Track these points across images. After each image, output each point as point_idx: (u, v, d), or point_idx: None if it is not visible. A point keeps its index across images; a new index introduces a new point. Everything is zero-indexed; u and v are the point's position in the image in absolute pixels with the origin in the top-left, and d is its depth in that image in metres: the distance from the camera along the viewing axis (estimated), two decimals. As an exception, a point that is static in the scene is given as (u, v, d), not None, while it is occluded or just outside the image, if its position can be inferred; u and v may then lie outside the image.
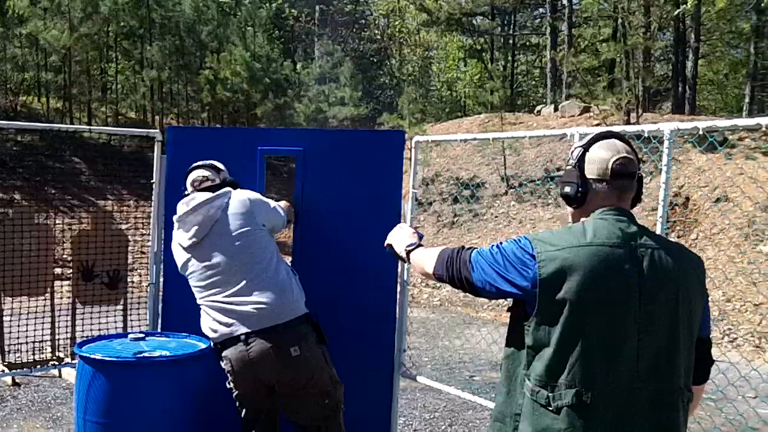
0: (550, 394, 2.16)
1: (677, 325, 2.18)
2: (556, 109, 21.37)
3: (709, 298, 2.37)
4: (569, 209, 2.42)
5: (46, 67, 22.47)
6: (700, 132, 3.07)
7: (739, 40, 25.02)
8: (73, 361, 6.44)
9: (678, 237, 11.94)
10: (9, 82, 22.99)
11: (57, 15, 20.95)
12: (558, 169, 16.13)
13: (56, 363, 6.93)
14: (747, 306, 9.84)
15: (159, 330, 4.63)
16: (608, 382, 2.12)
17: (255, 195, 3.97)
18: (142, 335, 4.12)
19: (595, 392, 2.12)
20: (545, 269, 2.15)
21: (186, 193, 3.99)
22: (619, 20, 20.50)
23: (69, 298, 6.86)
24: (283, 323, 3.67)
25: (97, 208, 16.07)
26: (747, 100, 21.45)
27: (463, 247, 2.43)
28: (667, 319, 2.17)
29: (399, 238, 2.78)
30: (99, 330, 6.47)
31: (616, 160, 2.27)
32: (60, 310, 7.09)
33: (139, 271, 12.20)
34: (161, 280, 4.73)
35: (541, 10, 31.94)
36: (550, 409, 2.16)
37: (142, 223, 15.63)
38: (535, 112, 22.83)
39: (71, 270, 6.79)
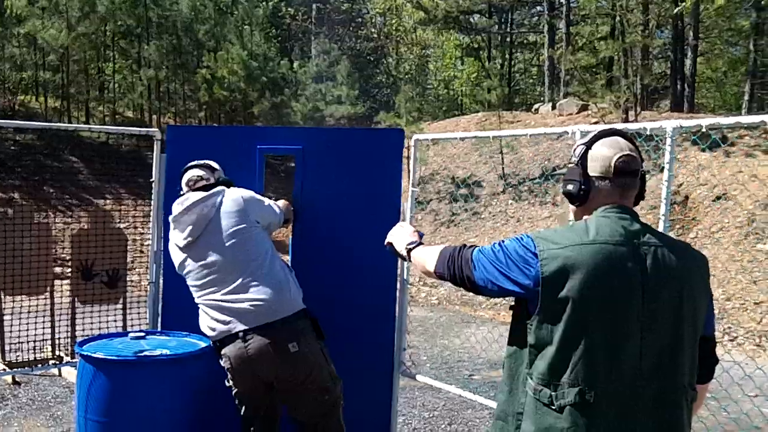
0: (552, 393, 2.16)
1: (681, 323, 2.17)
2: (554, 108, 21.38)
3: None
4: (572, 207, 2.41)
5: (44, 66, 22.44)
6: (703, 129, 3.07)
7: (738, 37, 25.01)
8: (73, 360, 6.45)
9: (677, 236, 11.94)
10: (7, 82, 22.94)
11: (55, 14, 20.92)
12: (555, 168, 16.14)
13: (56, 362, 6.92)
14: (747, 304, 9.85)
15: (159, 329, 4.62)
16: (611, 381, 2.11)
17: (248, 193, 3.97)
18: (143, 334, 4.12)
19: (598, 391, 2.11)
20: (548, 267, 2.14)
21: (181, 193, 4.00)
22: (617, 18, 20.49)
23: (69, 297, 6.86)
24: (281, 319, 3.67)
25: (95, 208, 16.04)
26: (746, 97, 21.45)
27: (464, 245, 2.42)
28: (670, 317, 2.16)
29: (399, 236, 2.77)
30: (99, 329, 6.47)
31: (619, 157, 2.26)
32: (61, 309, 7.08)
33: (137, 270, 12.19)
34: (161, 278, 4.72)
35: (538, 8, 31.94)
36: (553, 408, 2.16)
37: (141, 222, 15.62)
38: (533, 110, 22.84)
39: (71, 269, 6.78)
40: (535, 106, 23.39)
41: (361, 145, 4.61)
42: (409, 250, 2.66)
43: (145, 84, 23.92)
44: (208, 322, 3.79)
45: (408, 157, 5.13)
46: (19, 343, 6.84)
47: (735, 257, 10.90)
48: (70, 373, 6.76)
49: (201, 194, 3.87)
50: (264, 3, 27.54)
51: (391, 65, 39.41)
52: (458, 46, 36.85)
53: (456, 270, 2.36)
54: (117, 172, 18.38)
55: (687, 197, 13.32)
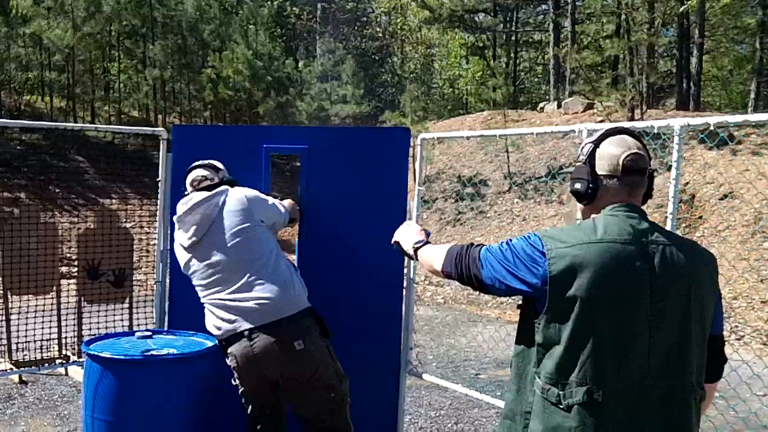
0: (560, 392, 2.15)
1: (689, 322, 2.16)
2: (559, 106, 21.35)
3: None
4: (579, 206, 2.40)
5: (49, 66, 22.49)
6: (711, 128, 3.06)
7: (744, 35, 24.93)
8: (80, 359, 6.46)
9: (684, 234, 11.91)
10: (13, 82, 23.00)
11: (60, 14, 20.96)
12: (562, 167, 16.09)
13: (63, 361, 6.93)
14: (754, 303, 9.82)
15: (166, 328, 4.63)
16: (619, 380, 2.11)
17: (252, 192, 3.98)
18: (150, 333, 4.13)
19: (606, 390, 2.10)
20: (555, 266, 2.14)
21: (186, 193, 4.01)
22: (623, 16, 20.45)
23: (75, 296, 6.87)
24: (286, 317, 3.68)
25: (101, 207, 16.07)
26: (752, 96, 21.36)
27: (472, 244, 2.42)
28: (678, 315, 2.15)
29: (406, 235, 2.76)
30: (106, 328, 6.49)
31: (627, 156, 2.25)
32: (68, 308, 7.10)
33: (144, 269, 12.22)
34: (168, 278, 4.73)
35: (543, 6, 31.88)
36: (561, 407, 2.15)
37: (146, 221, 15.66)
38: (538, 109, 22.81)
39: (77, 268, 6.80)
40: (541, 104, 23.36)
41: (368, 144, 4.60)
42: (416, 249, 2.66)
43: (150, 84, 23.97)
44: (214, 321, 3.80)
45: (414, 156, 5.11)
46: (26, 342, 6.86)
47: (742, 256, 10.87)
48: (76, 373, 6.77)
49: (204, 194, 3.88)
50: (269, 2, 27.56)
51: (396, 64, 39.36)
52: (463, 44, 36.83)
53: (463, 269, 2.36)
54: (123, 172, 18.42)
55: (693, 196, 13.30)
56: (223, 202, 3.85)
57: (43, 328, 6.84)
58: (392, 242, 2.83)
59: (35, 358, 6.93)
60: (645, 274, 2.13)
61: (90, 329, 6.68)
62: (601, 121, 16.94)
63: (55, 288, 6.92)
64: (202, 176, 4.01)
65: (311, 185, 4.50)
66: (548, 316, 2.17)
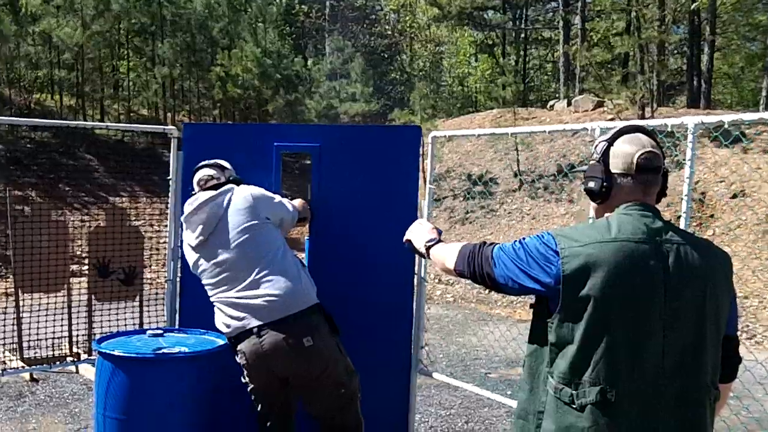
0: (573, 392, 2.14)
1: (704, 322, 2.15)
2: (569, 104, 21.30)
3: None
4: (593, 204, 2.39)
5: (59, 64, 22.57)
6: (726, 126, 3.04)
7: (755, 32, 24.81)
8: (91, 357, 6.48)
9: (695, 233, 11.86)
10: (23, 80, 23.09)
11: (70, 13, 21.03)
12: (573, 165, 16.05)
13: (74, 359, 6.95)
14: (766, 302, 9.78)
15: (177, 326, 4.63)
16: (633, 379, 2.09)
17: (258, 190, 3.98)
18: (161, 331, 4.13)
19: (620, 389, 2.09)
20: (569, 265, 2.12)
21: (193, 193, 4.01)
22: (633, 13, 20.38)
23: (85, 294, 6.89)
24: (294, 314, 3.68)
25: (111, 205, 16.12)
26: (764, 93, 21.26)
27: (484, 242, 2.41)
28: (693, 315, 2.14)
29: (418, 233, 2.75)
30: (117, 326, 6.50)
31: (642, 154, 2.24)
32: (79, 307, 7.12)
33: (154, 267, 12.24)
34: (178, 276, 4.73)
35: (553, 3, 31.84)
36: (574, 407, 2.14)
37: (156, 219, 15.69)
38: (548, 106, 22.77)
39: (87, 266, 6.81)
40: (550, 102, 23.32)
41: (378, 143, 4.60)
42: (428, 248, 2.65)
43: (159, 82, 24.03)
44: (223, 318, 3.81)
45: (424, 155, 5.11)
46: (38, 340, 6.87)
47: (753, 254, 10.82)
48: (87, 371, 6.79)
49: (210, 193, 3.90)
50: (278, 0, 27.57)
51: (405, 62, 39.35)
52: (472, 42, 36.81)
53: (476, 267, 2.35)
54: (132, 170, 18.47)
55: (704, 194, 13.24)
56: (229, 201, 3.86)
57: (54, 326, 6.85)
58: (404, 240, 2.82)
59: (46, 356, 6.95)
60: (659, 274, 2.12)
61: (101, 327, 6.69)
62: (612, 119, 16.89)
63: (65, 286, 6.94)
64: (209, 176, 4.03)
65: (322, 183, 4.50)
66: (561, 315, 2.16)
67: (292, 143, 4.66)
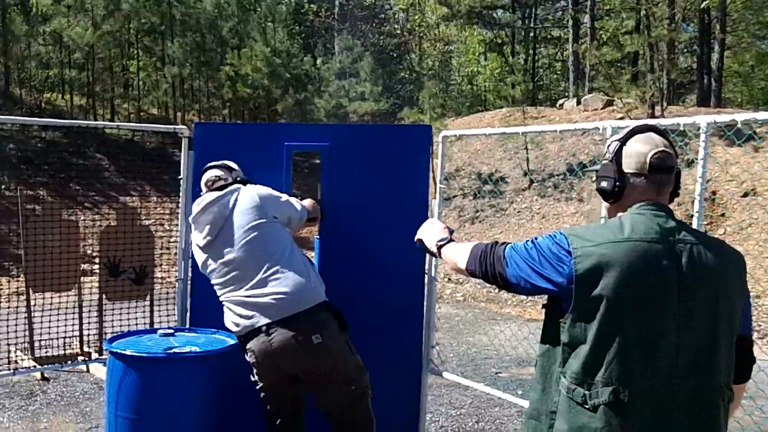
0: (586, 392, 2.13)
1: (717, 322, 2.14)
2: (578, 103, 21.24)
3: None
4: (605, 204, 2.38)
5: (69, 64, 22.66)
6: (738, 125, 3.02)
7: (766, 30, 24.70)
8: (102, 357, 6.50)
9: (706, 232, 11.83)
10: (33, 80, 23.20)
11: (80, 12, 21.11)
12: (584, 164, 16.01)
13: (85, 358, 6.97)
14: (776, 302, 9.74)
15: (188, 325, 4.64)
16: (646, 378, 2.09)
17: (265, 189, 3.99)
18: (171, 331, 4.13)
19: (633, 390, 2.08)
20: (581, 265, 2.11)
21: (201, 194, 4.03)
22: (643, 12, 20.32)
23: (96, 293, 6.91)
24: (303, 311, 3.69)
25: (122, 205, 16.17)
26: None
27: (496, 242, 2.40)
28: (707, 315, 2.13)
29: (430, 233, 2.75)
30: (128, 326, 6.51)
31: (654, 153, 2.23)
32: (90, 306, 7.14)
33: (165, 267, 12.27)
34: (189, 275, 4.74)
35: (562, 2, 31.76)
36: (587, 407, 2.13)
37: (166, 219, 15.73)
38: (558, 105, 22.71)
39: (98, 266, 6.83)
40: (560, 101, 23.26)
41: (389, 142, 4.59)
42: (439, 247, 2.64)
43: (169, 81, 24.10)
44: (232, 317, 3.82)
45: (434, 154, 5.09)
46: (49, 339, 6.90)
47: (766, 253, 10.78)
48: (98, 370, 6.81)
49: (217, 194, 3.91)
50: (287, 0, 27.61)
51: (414, 61, 39.34)
52: (481, 41, 36.76)
53: (488, 267, 2.34)
54: (142, 170, 18.52)
55: (715, 193, 13.19)
56: (236, 200, 3.88)
57: (66, 325, 6.88)
58: (415, 240, 2.82)
59: (57, 355, 6.98)
60: (672, 273, 2.11)
61: (112, 327, 6.71)
62: (621, 118, 16.83)
63: (76, 285, 6.96)
64: (216, 176, 4.06)
65: (332, 183, 4.50)
66: (574, 315, 2.15)
67: (302, 142, 4.66)
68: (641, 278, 2.09)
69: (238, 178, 4.08)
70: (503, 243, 2.38)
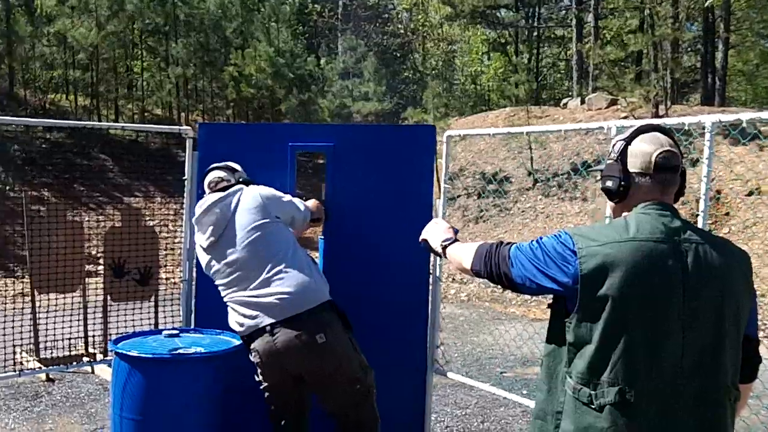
0: (592, 392, 2.13)
1: (722, 322, 2.13)
2: (582, 102, 21.22)
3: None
4: (610, 203, 2.38)
5: (73, 64, 22.69)
6: (743, 124, 3.02)
7: (770, 29, 24.65)
8: (106, 358, 6.51)
9: (710, 231, 11.80)
10: (38, 80, 23.25)
11: (84, 13, 21.15)
12: (588, 164, 15.99)
13: (90, 359, 6.98)
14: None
15: (192, 326, 4.64)
16: (651, 378, 2.08)
17: (267, 190, 4.00)
18: (176, 332, 4.13)
19: (638, 389, 2.08)
20: (587, 265, 2.11)
21: (204, 195, 4.04)
22: (647, 11, 20.27)
23: (101, 294, 6.92)
24: (307, 311, 3.69)
25: (127, 206, 16.19)
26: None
27: (501, 242, 2.40)
28: (712, 315, 2.12)
29: (434, 233, 2.75)
30: (133, 326, 6.52)
31: (660, 153, 2.23)
32: (95, 307, 7.15)
33: (169, 267, 12.28)
34: (194, 276, 4.75)
35: (566, 1, 31.79)
36: (593, 407, 2.13)
37: (170, 219, 15.74)
38: (561, 105, 22.68)
39: (102, 267, 6.84)
40: (564, 100, 23.23)
41: (393, 142, 4.59)
42: (444, 247, 2.64)
43: (173, 82, 24.13)
44: (237, 318, 3.82)
45: (438, 154, 5.10)
46: (54, 340, 6.91)
47: (769, 253, 10.75)
48: (103, 371, 6.82)
49: (219, 195, 3.93)
50: (290, 0, 27.61)
51: (418, 61, 39.34)
52: (485, 41, 36.72)
53: (493, 267, 2.34)
54: (146, 170, 18.54)
55: (719, 192, 13.16)
56: (238, 201, 3.89)
57: (71, 326, 6.89)
58: (420, 240, 2.82)
59: (62, 356, 6.99)
60: (677, 273, 2.11)
61: (117, 328, 6.72)
62: (625, 117, 16.80)
63: (81, 286, 6.97)
64: (219, 178, 4.07)
65: (336, 183, 4.50)
66: (579, 315, 2.15)
67: (306, 143, 4.67)
68: (646, 278, 2.09)
69: (241, 179, 4.09)
70: (508, 243, 2.37)
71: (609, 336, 2.10)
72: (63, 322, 6.84)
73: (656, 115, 16.47)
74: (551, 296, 2.29)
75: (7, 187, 16.36)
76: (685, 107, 19.66)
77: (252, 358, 3.80)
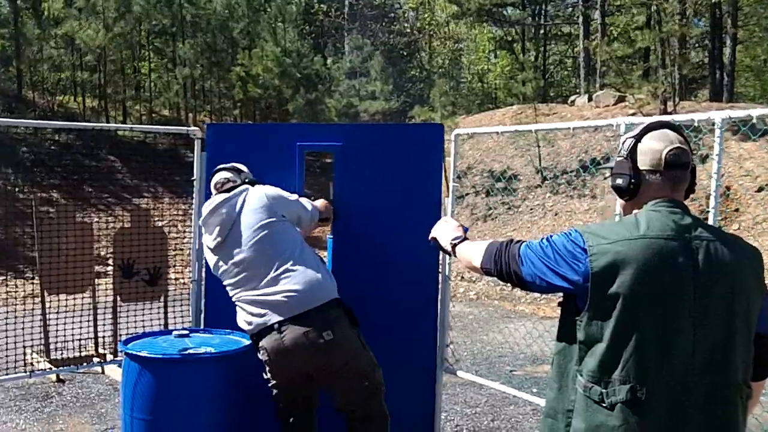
0: (603, 390, 2.12)
1: (733, 319, 2.12)
2: (590, 99, 21.17)
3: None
4: (620, 201, 2.37)
5: (81, 66, 22.76)
6: (753, 120, 3.00)
7: (778, 24, 24.55)
8: (117, 358, 6.52)
9: (720, 227, 11.76)
10: (46, 82, 23.33)
11: (92, 15, 21.21)
12: (598, 161, 15.95)
13: (100, 360, 7.00)
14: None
15: (202, 326, 4.65)
16: (662, 376, 2.08)
17: (273, 189, 4.01)
18: (186, 332, 4.14)
19: (650, 387, 2.08)
20: (597, 263, 2.11)
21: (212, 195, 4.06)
22: (654, 7, 20.22)
23: (111, 295, 6.94)
24: (314, 308, 3.70)
25: (136, 206, 16.23)
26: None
27: (511, 240, 2.40)
28: (722, 313, 2.11)
29: (444, 231, 2.75)
30: (143, 327, 6.53)
31: (670, 150, 2.22)
32: (105, 308, 7.17)
33: (178, 268, 12.30)
34: (203, 276, 4.76)
35: (572, -1, 31.65)
36: (604, 405, 2.12)
37: (179, 220, 15.78)
38: (569, 102, 22.63)
39: (111, 267, 6.86)
40: (572, 98, 23.18)
41: (401, 141, 4.59)
42: (454, 246, 2.64)
43: (180, 83, 24.17)
44: (245, 316, 3.84)
45: (446, 152, 5.10)
46: (64, 341, 6.93)
47: (779, 249, 10.70)
48: (113, 371, 6.84)
49: (225, 195, 3.94)
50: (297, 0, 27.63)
51: (425, 60, 39.31)
52: (491, 38, 36.70)
53: (503, 265, 2.33)
54: (154, 171, 18.58)
55: (729, 188, 13.12)
56: (244, 201, 3.90)
57: (81, 327, 6.91)
58: (429, 238, 2.82)
59: (73, 357, 7.01)
60: (688, 271, 2.10)
61: (127, 328, 6.74)
62: (633, 114, 16.77)
63: (91, 287, 6.99)
64: (225, 179, 4.08)
65: (345, 183, 4.49)
66: (590, 313, 2.14)
67: (314, 143, 4.67)
68: (657, 276, 2.08)
69: (247, 180, 4.10)
70: (518, 241, 2.37)
71: (620, 334, 2.10)
72: (73, 322, 6.87)
73: (664, 112, 16.43)
74: (561, 294, 2.29)
75: (17, 189, 16.43)
76: (694, 103, 19.61)
77: (260, 356, 3.80)
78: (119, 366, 4.16)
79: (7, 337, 6.48)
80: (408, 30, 39.91)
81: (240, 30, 24.86)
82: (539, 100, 21.49)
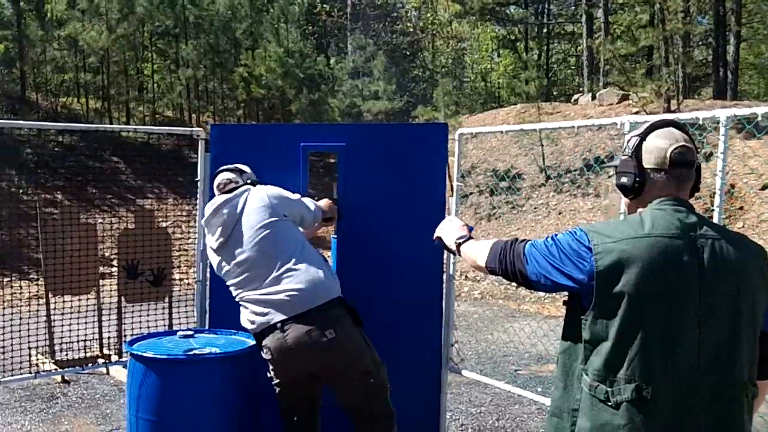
0: (608, 389, 2.12)
1: (739, 318, 2.12)
2: (593, 98, 21.15)
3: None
4: (625, 200, 2.37)
5: (84, 68, 22.76)
6: (759, 118, 3.00)
7: (782, 21, 24.51)
8: (121, 359, 6.53)
9: (725, 226, 11.73)
10: (49, 84, 23.35)
11: (95, 17, 21.22)
12: (602, 160, 15.93)
13: (105, 361, 7.01)
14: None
15: (207, 327, 4.65)
16: (667, 374, 2.08)
17: (275, 189, 4.02)
18: (191, 332, 4.15)
19: (655, 386, 2.07)
20: (602, 261, 2.10)
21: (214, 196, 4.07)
22: (657, 5, 20.17)
23: (115, 296, 6.95)
24: (316, 307, 3.70)
25: (140, 207, 16.25)
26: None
27: (516, 239, 2.40)
28: (728, 311, 2.11)
29: (449, 230, 2.75)
30: (148, 327, 6.54)
31: (675, 148, 2.21)
32: (110, 309, 7.18)
33: (182, 268, 12.31)
34: (208, 276, 4.76)
35: (575, -3, 31.62)
36: (609, 404, 2.12)
37: (183, 220, 15.79)
38: (572, 101, 22.62)
39: (116, 268, 6.87)
40: (575, 96, 23.16)
41: (405, 141, 4.59)
42: (458, 245, 2.64)
43: (183, 83, 24.18)
44: (248, 316, 3.84)
45: (450, 152, 5.09)
46: (69, 342, 6.94)
47: (784, 247, 10.66)
48: (118, 372, 6.85)
49: (227, 196, 3.95)
50: (299, 0, 27.62)
51: (428, 59, 39.29)
52: (494, 38, 36.69)
53: (508, 264, 2.33)
54: (158, 172, 18.60)
55: (733, 186, 13.09)
56: (245, 201, 3.91)
57: (85, 328, 6.92)
58: (434, 237, 2.82)
59: (77, 358, 7.02)
60: (693, 269, 2.10)
61: (131, 329, 6.75)
62: (637, 112, 16.75)
63: (95, 288, 7.00)
64: (227, 179, 4.10)
65: (348, 183, 4.49)
66: (595, 312, 2.14)
67: (318, 143, 4.67)
68: (662, 274, 2.08)
69: (249, 180, 4.10)
70: (523, 240, 2.37)
71: (625, 333, 2.10)
72: (78, 323, 6.88)
73: (668, 110, 16.41)
74: (566, 293, 2.29)
75: (21, 191, 16.45)
76: (697, 101, 19.57)
77: (264, 355, 3.81)
78: (124, 367, 4.16)
79: (12, 338, 6.49)
80: (411, 29, 39.90)
81: (243, 31, 24.86)
82: (542, 99, 21.48)
